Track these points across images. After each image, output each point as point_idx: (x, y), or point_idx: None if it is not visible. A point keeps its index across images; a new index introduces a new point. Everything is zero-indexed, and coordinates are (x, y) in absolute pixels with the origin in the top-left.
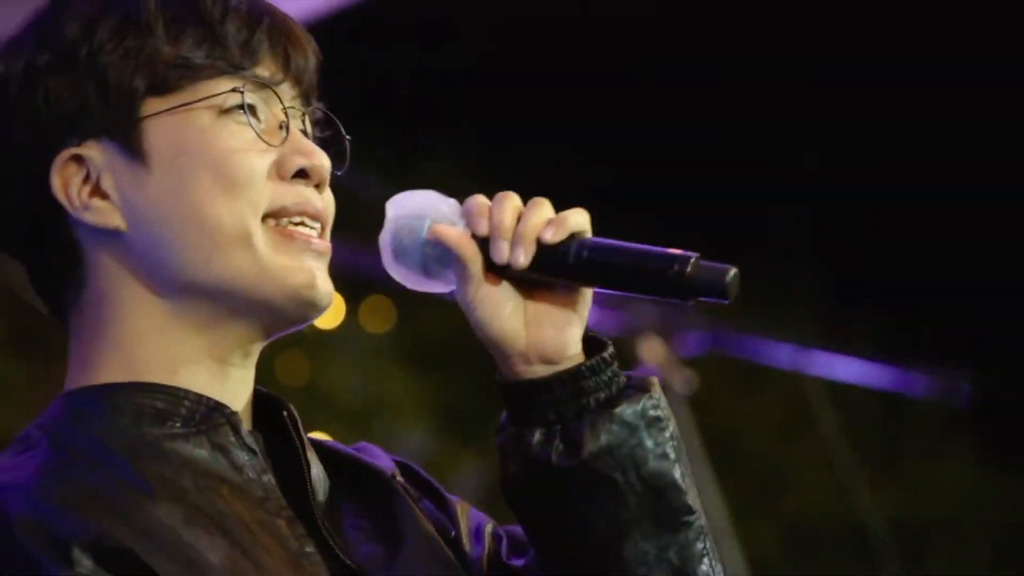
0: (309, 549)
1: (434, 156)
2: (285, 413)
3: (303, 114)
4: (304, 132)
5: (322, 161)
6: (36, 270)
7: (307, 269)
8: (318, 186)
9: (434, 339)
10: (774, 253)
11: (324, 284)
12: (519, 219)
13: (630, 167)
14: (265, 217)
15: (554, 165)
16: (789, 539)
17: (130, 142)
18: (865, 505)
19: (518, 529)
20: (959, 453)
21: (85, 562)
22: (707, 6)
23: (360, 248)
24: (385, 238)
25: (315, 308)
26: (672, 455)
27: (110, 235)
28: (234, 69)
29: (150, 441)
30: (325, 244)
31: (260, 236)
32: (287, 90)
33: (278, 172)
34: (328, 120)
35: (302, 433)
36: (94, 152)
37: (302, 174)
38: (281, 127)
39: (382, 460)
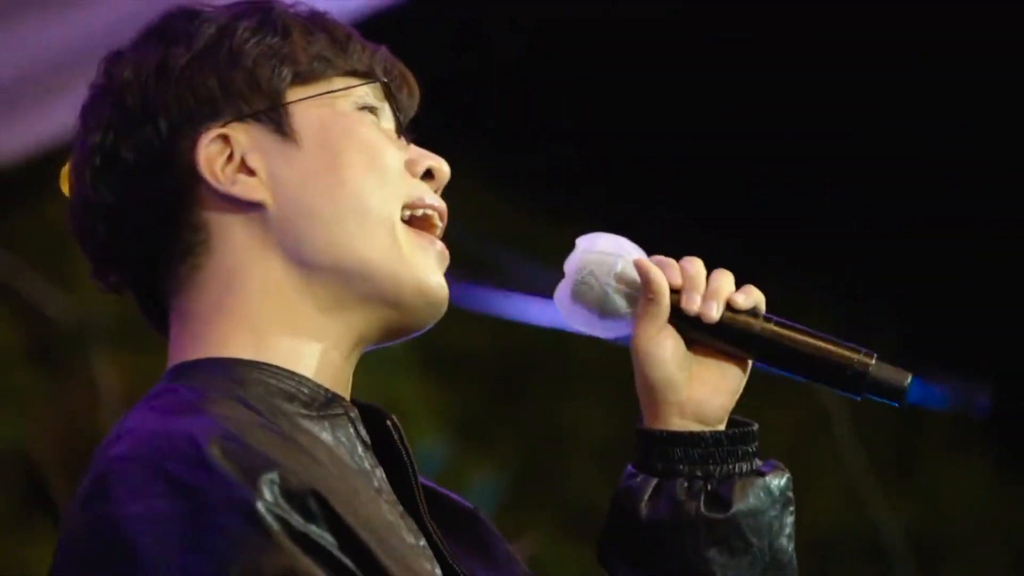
0: (423, 543)
1: (450, 157)
2: (390, 422)
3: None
4: None
5: (446, 167)
6: (152, 248)
7: (437, 268)
8: (436, 191)
9: (447, 349)
10: (791, 261)
11: (446, 288)
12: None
13: (647, 169)
14: (402, 207)
15: (572, 170)
16: (805, 548)
17: (279, 123)
18: (881, 515)
19: None
20: (977, 463)
21: (275, 495)
22: (734, 7)
23: None
24: (571, 269)
25: (437, 309)
26: (793, 540)
27: (251, 209)
28: (366, 73)
29: (284, 411)
30: (447, 252)
31: (399, 228)
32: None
33: (409, 169)
34: None
35: (407, 442)
36: (239, 133)
37: (429, 174)
38: (399, 135)
39: (458, 497)
